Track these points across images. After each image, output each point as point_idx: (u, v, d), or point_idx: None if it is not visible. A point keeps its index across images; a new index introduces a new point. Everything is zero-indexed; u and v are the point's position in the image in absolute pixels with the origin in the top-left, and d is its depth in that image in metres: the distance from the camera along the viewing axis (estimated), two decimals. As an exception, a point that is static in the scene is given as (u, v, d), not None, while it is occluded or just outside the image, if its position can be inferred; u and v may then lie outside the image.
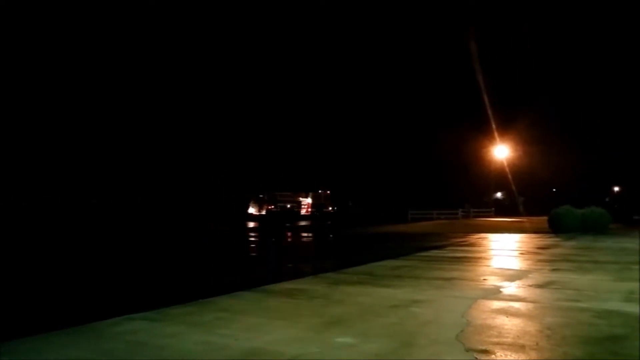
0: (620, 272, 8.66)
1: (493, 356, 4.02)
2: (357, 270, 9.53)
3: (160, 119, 50.91)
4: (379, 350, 4.19)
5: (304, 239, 22.27)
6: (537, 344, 4.32)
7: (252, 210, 36.38)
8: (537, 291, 6.95)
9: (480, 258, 11.96)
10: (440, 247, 15.22)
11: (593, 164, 49.46)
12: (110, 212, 42.96)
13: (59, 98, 46.52)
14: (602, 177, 49.54)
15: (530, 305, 5.95)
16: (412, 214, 42.06)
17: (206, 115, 51.76)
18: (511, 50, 53.21)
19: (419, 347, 4.26)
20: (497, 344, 4.33)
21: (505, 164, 45.78)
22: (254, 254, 17.72)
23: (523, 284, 7.57)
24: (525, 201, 47.41)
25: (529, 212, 38.73)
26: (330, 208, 36.43)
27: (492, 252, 13.78)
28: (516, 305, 5.96)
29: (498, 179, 49.97)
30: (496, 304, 6.02)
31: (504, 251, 14.10)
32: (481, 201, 53.35)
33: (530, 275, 8.47)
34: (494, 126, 43.73)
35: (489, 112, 43.30)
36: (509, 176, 45.80)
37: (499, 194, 59.44)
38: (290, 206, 35.29)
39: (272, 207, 35.67)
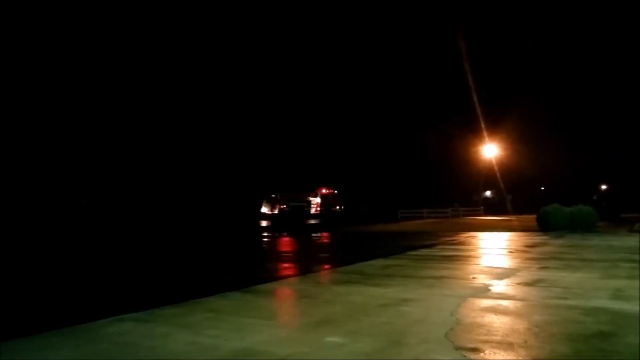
0: (608, 270, 8.75)
1: (482, 354, 4.05)
2: (348, 270, 9.54)
3: (167, 119, 50.70)
4: (368, 350, 4.21)
5: (297, 240, 22.28)
6: (525, 341, 4.36)
7: (264, 209, 36.81)
8: (526, 289, 7.01)
9: (469, 256, 12.02)
10: (430, 245, 15.27)
11: (581, 162, 50.04)
12: (110, 212, 42.75)
13: (59, 98, 46.08)
14: (590, 176, 50.07)
15: (518, 303, 6.00)
16: (402, 213, 42.21)
17: (216, 117, 51.70)
18: (499, 49, 53.59)
19: (409, 346, 4.28)
20: (486, 342, 4.37)
21: (494, 162, 46.24)
22: (246, 255, 17.67)
23: (512, 282, 7.63)
24: (514, 199, 47.82)
25: (518, 211, 39.05)
26: (337, 207, 36.85)
27: (481, 251, 13.85)
28: (505, 303, 6.01)
29: (487, 177, 50.38)
30: (485, 302, 6.06)
31: (493, 249, 14.17)
32: (470, 200, 53.73)
33: (518, 274, 8.54)
34: (482, 125, 44.18)
35: (478, 110, 43.69)
36: (498, 175, 46.28)
37: (488, 193, 59.82)
38: (301, 205, 35.77)
39: (284, 206, 36.07)
